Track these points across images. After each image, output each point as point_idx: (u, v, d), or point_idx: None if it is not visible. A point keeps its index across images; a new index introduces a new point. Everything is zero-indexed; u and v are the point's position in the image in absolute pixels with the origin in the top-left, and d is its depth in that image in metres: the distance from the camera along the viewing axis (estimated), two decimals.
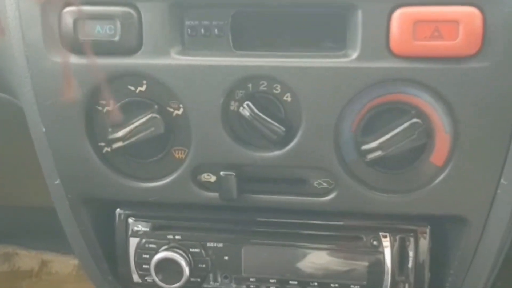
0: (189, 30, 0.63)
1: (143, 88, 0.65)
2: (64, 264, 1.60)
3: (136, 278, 0.73)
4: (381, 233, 0.67)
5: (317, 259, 0.69)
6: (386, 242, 0.67)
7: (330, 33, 0.62)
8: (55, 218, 1.45)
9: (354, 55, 0.60)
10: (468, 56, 0.58)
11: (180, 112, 0.65)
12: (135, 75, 0.64)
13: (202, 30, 0.63)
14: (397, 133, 0.61)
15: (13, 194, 1.28)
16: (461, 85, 0.59)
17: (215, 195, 0.67)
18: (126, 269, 0.73)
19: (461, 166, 0.62)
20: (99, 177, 0.68)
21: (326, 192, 0.66)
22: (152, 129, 0.65)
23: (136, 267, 0.72)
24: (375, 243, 0.68)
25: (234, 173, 0.65)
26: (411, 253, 0.67)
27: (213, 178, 0.68)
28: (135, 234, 0.72)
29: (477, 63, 0.58)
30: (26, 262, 1.61)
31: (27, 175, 1.12)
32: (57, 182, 0.70)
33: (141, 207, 0.71)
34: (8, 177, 1.17)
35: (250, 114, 0.62)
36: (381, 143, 0.61)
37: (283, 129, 0.63)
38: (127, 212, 0.72)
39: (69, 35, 0.63)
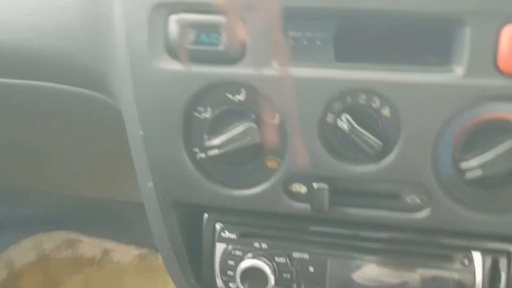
0: (292, 41, 0.64)
1: (241, 97, 0.66)
2: (125, 254, 1.63)
3: (219, 283, 0.74)
4: (473, 252, 0.66)
5: (404, 276, 0.68)
6: (477, 262, 0.66)
7: (434, 47, 0.62)
8: (119, 209, 1.48)
9: (460, 71, 0.59)
10: None
11: (276, 122, 0.66)
12: (235, 84, 0.65)
13: (305, 42, 0.63)
14: (501, 154, 0.60)
15: (81, 186, 1.31)
16: None
17: (305, 206, 0.68)
18: (211, 273, 0.73)
19: None
20: (192, 182, 0.70)
21: (419, 208, 0.65)
22: (249, 138, 0.66)
23: (220, 272, 0.73)
24: (466, 262, 0.67)
25: (327, 185, 0.66)
26: (503, 274, 0.66)
27: (304, 189, 0.68)
28: (222, 239, 0.72)
29: None
30: (89, 249, 1.65)
31: (96, 169, 1.16)
32: (150, 184, 0.72)
33: (229, 213, 0.72)
34: (78, 170, 1.20)
35: (348, 127, 0.63)
36: (482, 163, 0.60)
37: (381, 143, 0.63)
38: (215, 217, 0.73)
39: (175, 42, 0.64)
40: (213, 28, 0.63)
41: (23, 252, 1.66)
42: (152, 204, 0.73)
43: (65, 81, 0.76)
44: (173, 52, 0.65)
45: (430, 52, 0.63)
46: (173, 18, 0.64)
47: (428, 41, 0.62)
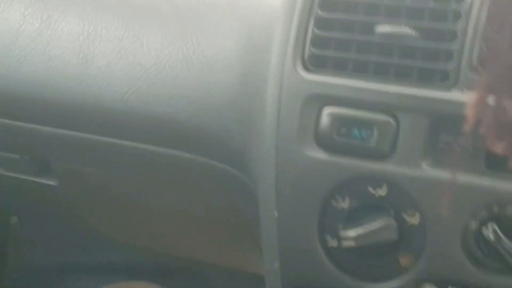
0: (443, 145, 0.64)
1: (382, 193, 0.67)
2: None
3: None
4: None
5: None
6: None
7: None
8: (203, 270, 1.49)
9: None
10: None
11: (415, 222, 0.66)
12: (380, 180, 0.66)
13: (457, 147, 0.64)
14: None
15: (179, 246, 1.34)
16: None
17: None
18: None
19: None
20: (320, 270, 0.70)
21: None
22: (387, 234, 0.66)
23: None
24: None
25: None
26: None
27: None
28: None
29: None
30: None
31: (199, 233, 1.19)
32: (276, 265, 0.73)
33: None
34: (182, 231, 1.23)
35: (495, 238, 0.62)
36: None
37: None
38: None
39: (325, 133, 0.66)
40: (365, 124, 0.65)
41: None
42: (275, 285, 0.74)
43: (203, 153, 0.80)
44: (321, 142, 0.67)
45: None
46: (327, 110, 0.66)
47: None
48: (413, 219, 0.66)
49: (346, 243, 0.68)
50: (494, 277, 0.63)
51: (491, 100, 0.46)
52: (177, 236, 1.28)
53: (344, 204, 0.68)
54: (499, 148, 0.44)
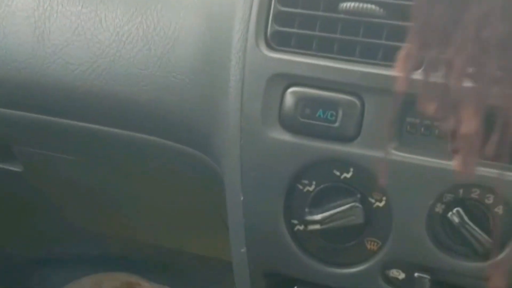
0: (408, 126, 0.62)
1: (348, 175, 0.65)
2: None
3: None
4: None
5: None
6: None
7: None
8: (181, 260, 1.47)
9: None
10: None
11: (381, 204, 0.64)
12: (346, 163, 0.64)
13: (422, 129, 0.62)
14: None
15: (154, 234, 1.32)
16: None
17: None
18: None
19: None
20: (287, 254, 0.69)
21: None
22: (352, 218, 0.64)
23: None
24: None
25: (428, 276, 0.63)
26: None
27: (402, 276, 0.66)
28: None
29: None
30: None
31: (172, 220, 1.17)
32: (243, 250, 0.71)
33: None
34: (156, 219, 1.21)
35: (459, 221, 0.61)
36: None
37: (491, 241, 0.60)
38: None
39: (289, 114, 0.64)
40: (330, 105, 0.63)
41: None
42: (242, 270, 0.72)
43: (168, 136, 0.77)
44: (285, 124, 0.65)
45: None
46: (291, 90, 0.64)
47: None
48: (380, 202, 0.64)
49: (312, 227, 0.66)
50: (460, 262, 0.62)
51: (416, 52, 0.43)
52: (149, 225, 1.26)
53: (310, 187, 0.67)
54: (430, 109, 0.42)
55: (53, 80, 0.77)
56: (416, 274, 0.64)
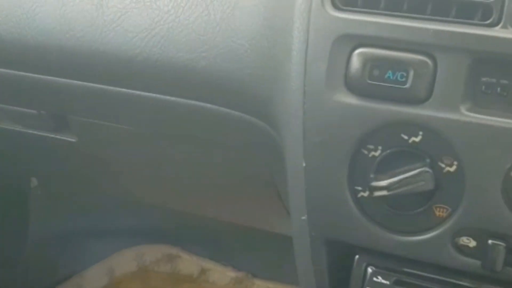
0: (483, 87, 0.60)
1: (417, 139, 0.62)
2: (222, 275, 1.63)
3: None
4: None
5: None
6: None
7: None
8: (221, 230, 1.47)
9: None
10: None
11: (452, 169, 0.62)
12: (415, 126, 0.62)
13: (499, 89, 0.59)
14: None
15: (193, 203, 1.32)
16: None
17: (474, 261, 0.63)
18: None
19: None
20: (350, 221, 0.67)
21: None
22: (422, 183, 0.62)
23: None
24: None
25: (504, 244, 0.61)
26: None
27: (472, 243, 0.63)
28: (373, 284, 0.69)
29: None
30: (187, 266, 1.66)
31: (213, 189, 1.16)
32: (303, 217, 0.70)
33: (383, 258, 0.69)
34: (198, 189, 1.21)
35: None
36: None
37: None
38: (367, 260, 0.69)
39: (356, 76, 0.62)
40: (400, 66, 0.60)
41: (125, 261, 1.70)
42: (302, 237, 0.71)
43: (227, 104, 0.76)
44: (352, 86, 0.63)
45: None
46: (358, 51, 0.62)
47: None
48: (450, 167, 0.62)
49: (378, 193, 0.64)
50: None
51: None
52: (199, 195, 1.25)
53: (376, 152, 0.65)
54: None
55: (112, 48, 0.76)
56: (489, 241, 0.61)
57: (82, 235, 1.63)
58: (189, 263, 1.67)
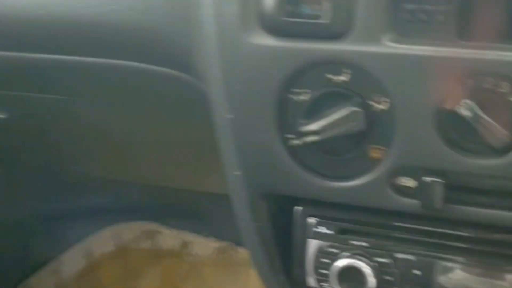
0: (406, 14, 0.55)
1: (344, 78, 0.58)
2: (205, 246, 1.59)
3: (311, 282, 0.67)
4: None
5: None
6: None
7: None
8: (199, 200, 1.44)
9: None
10: None
11: (384, 107, 0.57)
12: (339, 63, 0.57)
13: (423, 16, 0.54)
14: None
15: (161, 175, 1.28)
16: None
17: (413, 202, 0.59)
18: (301, 271, 0.67)
19: None
20: (284, 171, 0.63)
21: None
22: (353, 124, 0.58)
23: (312, 270, 0.66)
24: None
25: (442, 180, 0.57)
26: None
27: (413, 183, 0.60)
28: (315, 235, 0.65)
29: None
30: (168, 241, 1.62)
31: (178, 158, 1.11)
32: (237, 173, 0.65)
33: (324, 207, 0.65)
34: (159, 158, 1.16)
35: (472, 115, 0.54)
36: None
37: (509, 134, 0.54)
38: (308, 211, 0.66)
39: (270, 14, 0.57)
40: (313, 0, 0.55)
41: (102, 242, 1.65)
42: (239, 194, 0.67)
43: (146, 59, 0.70)
44: (267, 26, 0.57)
45: None
46: None
47: None
48: (381, 105, 0.58)
49: (309, 139, 0.60)
50: (475, 161, 0.56)
51: None
52: (152, 165, 1.20)
53: (304, 96, 0.60)
54: None
55: (13, 11, 0.70)
56: (428, 179, 0.58)
57: (54, 219, 1.57)
58: (169, 237, 1.63)
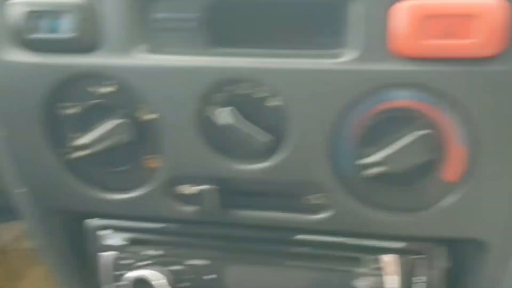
0: (159, 24, 0.53)
1: (108, 90, 0.56)
2: None
3: None
4: (385, 255, 0.58)
5: (309, 281, 0.61)
6: (390, 265, 0.59)
7: (323, 28, 0.52)
8: None
9: (352, 55, 0.50)
10: (488, 57, 0.47)
11: (152, 117, 0.56)
12: (95, 76, 0.55)
13: (176, 24, 0.53)
14: (404, 146, 0.51)
15: None
16: (481, 90, 0.49)
17: (193, 209, 0.59)
18: (96, 285, 0.65)
19: (480, 182, 0.52)
20: (64, 186, 0.61)
21: (320, 209, 0.57)
22: (121, 136, 0.56)
23: (109, 282, 0.65)
24: (377, 265, 0.59)
25: (216, 187, 0.57)
26: (423, 278, 0.58)
27: (190, 191, 0.59)
28: (107, 248, 0.64)
29: (499, 65, 0.48)
30: None
31: None
32: (23, 190, 0.63)
33: (115, 218, 0.63)
34: None
35: (233, 121, 0.53)
36: (385, 157, 0.52)
37: (271, 137, 0.54)
38: (97, 224, 0.64)
39: (17, 30, 0.54)
40: (61, 12, 0.53)
41: None
42: (29, 211, 0.64)
43: None
44: (19, 43, 0.55)
45: (319, 33, 0.53)
46: (11, 2, 0.53)
47: (317, 22, 0.53)
48: (149, 115, 0.56)
49: (81, 152, 0.58)
50: (241, 165, 0.56)
51: None
52: None
53: (72, 110, 0.58)
54: None
55: None
56: (204, 187, 0.57)
57: None
58: None
